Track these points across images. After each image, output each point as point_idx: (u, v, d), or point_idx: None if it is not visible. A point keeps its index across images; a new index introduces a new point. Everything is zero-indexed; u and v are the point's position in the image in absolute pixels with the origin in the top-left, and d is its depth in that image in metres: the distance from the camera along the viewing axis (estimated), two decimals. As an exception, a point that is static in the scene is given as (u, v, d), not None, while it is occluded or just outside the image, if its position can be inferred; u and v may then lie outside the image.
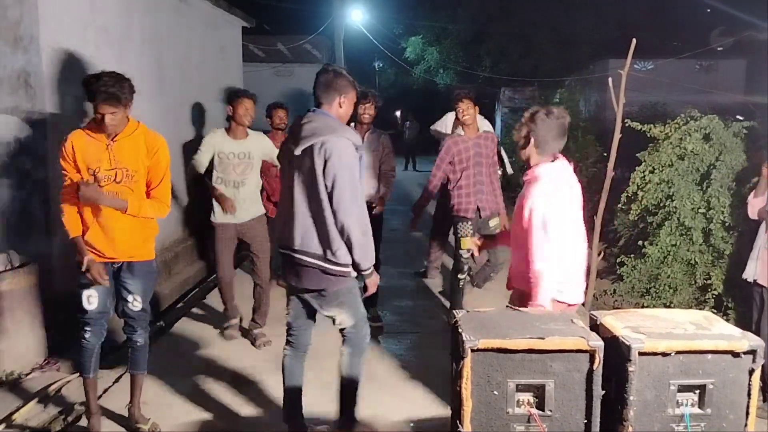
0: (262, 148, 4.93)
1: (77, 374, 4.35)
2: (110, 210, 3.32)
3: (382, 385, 4.13)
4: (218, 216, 4.83)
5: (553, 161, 3.10)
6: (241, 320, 5.13)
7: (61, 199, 3.42)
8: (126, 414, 3.65)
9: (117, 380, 4.15)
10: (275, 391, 4.03)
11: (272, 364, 4.45)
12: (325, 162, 2.97)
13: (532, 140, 3.06)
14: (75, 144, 3.32)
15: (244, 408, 3.84)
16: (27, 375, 4.29)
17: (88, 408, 3.56)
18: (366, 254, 3.09)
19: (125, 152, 3.34)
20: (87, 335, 3.45)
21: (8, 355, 4.25)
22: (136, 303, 3.49)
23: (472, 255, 4.81)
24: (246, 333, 5.02)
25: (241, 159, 4.81)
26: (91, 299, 3.40)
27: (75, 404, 3.87)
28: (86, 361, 3.49)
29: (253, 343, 4.89)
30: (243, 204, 4.81)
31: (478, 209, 5.06)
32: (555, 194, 3.00)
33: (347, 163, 3.00)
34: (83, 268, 3.32)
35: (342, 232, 3.01)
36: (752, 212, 4.44)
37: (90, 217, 3.35)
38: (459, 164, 5.09)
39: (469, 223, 5.03)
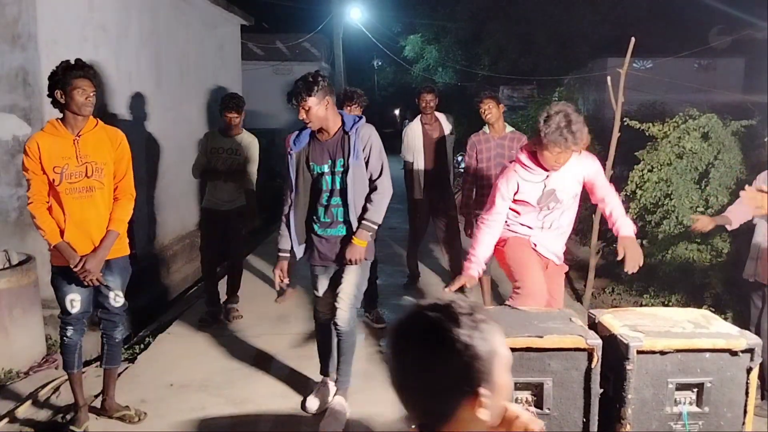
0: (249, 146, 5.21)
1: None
2: (82, 209, 3.32)
3: (381, 383, 4.13)
4: (208, 201, 5.21)
5: None
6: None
7: (30, 204, 3.32)
8: (100, 406, 3.67)
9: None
10: (271, 389, 4.03)
11: (269, 363, 4.46)
12: None
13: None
14: (40, 143, 3.25)
15: (240, 406, 3.84)
16: (25, 373, 4.29)
17: (76, 401, 3.58)
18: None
19: (91, 146, 3.34)
20: (69, 334, 3.47)
21: (6, 353, 4.25)
22: (118, 299, 3.52)
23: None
24: (226, 314, 5.31)
25: (230, 154, 5.15)
26: (74, 303, 3.41)
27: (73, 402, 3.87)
28: (69, 357, 3.52)
29: (226, 318, 5.26)
30: (228, 196, 5.16)
31: None
32: None
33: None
34: (77, 268, 3.28)
35: None
36: (745, 214, 4.33)
37: (62, 219, 3.32)
38: (480, 163, 5.14)
39: None
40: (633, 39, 5.61)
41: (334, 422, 3.56)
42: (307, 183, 3.51)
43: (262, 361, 4.48)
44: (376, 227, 3.49)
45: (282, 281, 3.62)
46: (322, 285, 3.69)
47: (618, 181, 6.52)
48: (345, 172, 3.43)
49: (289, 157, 3.52)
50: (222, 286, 5.43)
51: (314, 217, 3.55)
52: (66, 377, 4.19)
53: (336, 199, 3.48)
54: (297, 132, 3.57)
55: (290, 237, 3.57)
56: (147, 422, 3.62)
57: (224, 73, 9.20)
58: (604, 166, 5.95)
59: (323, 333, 3.80)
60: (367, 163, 3.46)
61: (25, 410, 3.83)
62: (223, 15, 9.14)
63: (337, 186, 3.47)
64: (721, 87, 11.40)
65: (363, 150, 3.43)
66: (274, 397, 3.91)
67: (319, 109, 3.35)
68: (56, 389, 4.07)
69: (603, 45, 14.58)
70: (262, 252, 7.52)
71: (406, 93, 27.35)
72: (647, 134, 6.35)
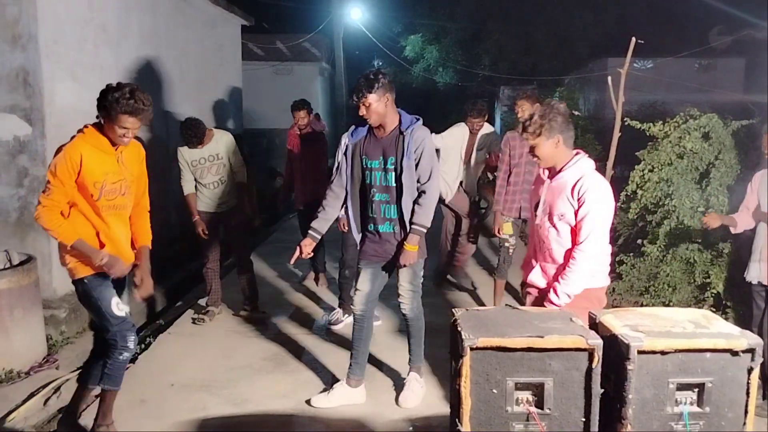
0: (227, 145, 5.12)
1: (76, 372, 4.36)
2: (116, 226, 3.19)
3: (381, 383, 4.14)
4: (202, 204, 5.15)
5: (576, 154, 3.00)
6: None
7: (41, 207, 3.03)
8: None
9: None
10: (272, 389, 4.03)
11: (270, 363, 4.46)
12: None
13: (558, 139, 2.92)
14: (84, 155, 3.04)
15: (241, 406, 3.84)
16: (26, 373, 4.29)
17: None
18: None
19: (127, 163, 3.24)
20: (131, 344, 3.22)
21: (7, 354, 4.25)
22: (121, 306, 3.22)
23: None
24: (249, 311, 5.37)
25: (212, 161, 5.05)
26: (120, 305, 3.21)
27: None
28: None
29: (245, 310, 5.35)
30: (222, 198, 5.14)
31: (520, 210, 5.04)
32: (608, 190, 2.97)
33: None
34: (102, 262, 3.07)
35: None
36: (749, 222, 4.33)
37: (95, 234, 3.14)
38: (512, 160, 5.09)
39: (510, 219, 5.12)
40: (633, 39, 5.61)
41: (412, 396, 3.81)
42: (358, 175, 3.65)
43: (263, 361, 4.48)
44: (425, 231, 3.57)
45: (302, 254, 3.63)
46: (363, 279, 3.72)
47: (619, 181, 6.52)
48: (395, 170, 3.54)
49: (346, 148, 3.66)
50: (223, 286, 5.47)
51: (363, 212, 3.69)
52: (66, 378, 4.21)
53: (384, 196, 3.59)
54: (355, 125, 3.71)
55: (350, 225, 3.75)
56: (147, 422, 3.61)
57: (224, 73, 9.21)
58: (605, 166, 5.97)
59: (359, 330, 3.78)
60: (417, 166, 3.52)
61: (25, 411, 3.82)
62: (224, 15, 9.15)
63: (386, 183, 3.58)
64: (722, 87, 11.41)
65: (415, 152, 3.50)
66: (276, 398, 3.91)
67: (379, 105, 3.48)
68: (57, 390, 4.07)
69: (603, 45, 14.60)
70: (261, 252, 7.52)
71: (406, 93, 27.33)
72: (648, 134, 6.34)
